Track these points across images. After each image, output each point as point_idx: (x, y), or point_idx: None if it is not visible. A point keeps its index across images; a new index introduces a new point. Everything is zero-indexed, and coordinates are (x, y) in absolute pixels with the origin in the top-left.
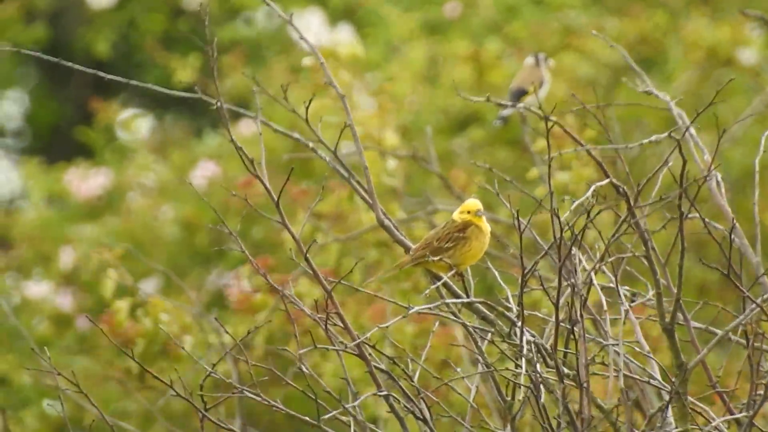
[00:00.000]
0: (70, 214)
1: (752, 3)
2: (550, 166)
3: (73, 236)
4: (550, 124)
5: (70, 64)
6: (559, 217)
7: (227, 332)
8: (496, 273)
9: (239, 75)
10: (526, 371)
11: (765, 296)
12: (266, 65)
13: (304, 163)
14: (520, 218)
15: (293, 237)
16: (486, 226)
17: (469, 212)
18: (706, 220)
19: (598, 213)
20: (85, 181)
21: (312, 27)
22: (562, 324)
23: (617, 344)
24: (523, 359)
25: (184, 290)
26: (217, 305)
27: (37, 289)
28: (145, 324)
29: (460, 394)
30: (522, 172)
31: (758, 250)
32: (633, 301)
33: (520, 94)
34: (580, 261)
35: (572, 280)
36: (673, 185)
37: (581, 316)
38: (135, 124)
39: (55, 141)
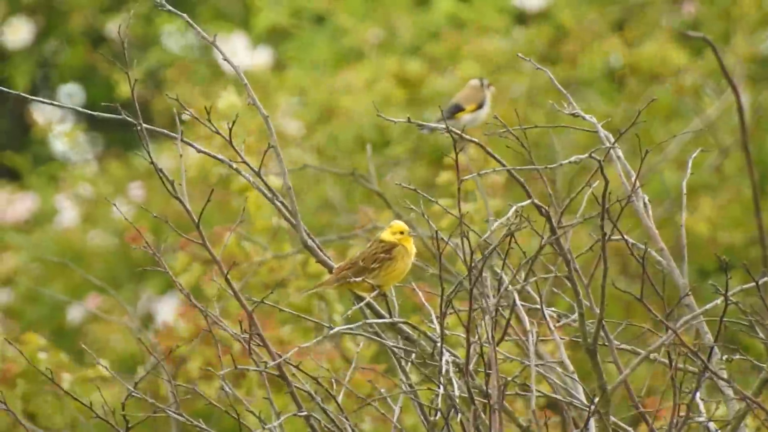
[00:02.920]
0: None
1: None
2: (459, 190)
3: (11, 243)
4: (467, 144)
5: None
6: (469, 239)
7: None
8: (420, 293)
9: (182, 88)
10: (447, 392)
11: (681, 321)
12: (204, 81)
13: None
14: (441, 236)
15: (214, 258)
16: (413, 248)
17: (402, 233)
18: (630, 241)
19: (509, 234)
20: (12, 205)
21: (237, 51)
22: (483, 345)
23: (539, 365)
24: (441, 382)
25: (122, 305)
26: (148, 324)
27: None
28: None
29: (383, 413)
30: (443, 189)
31: (684, 271)
32: (558, 322)
33: (455, 111)
34: (502, 282)
35: (483, 303)
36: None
37: (493, 338)
38: (74, 135)
39: None
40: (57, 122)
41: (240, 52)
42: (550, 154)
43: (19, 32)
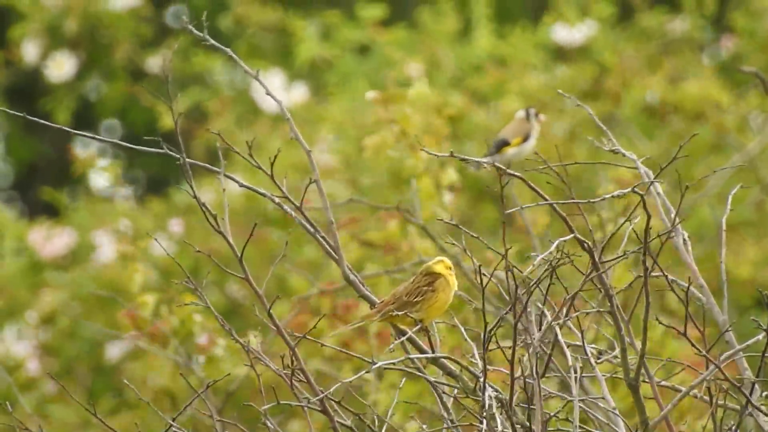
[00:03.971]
0: (38, 268)
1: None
2: (504, 224)
3: (50, 280)
4: (511, 178)
5: (34, 119)
6: (513, 273)
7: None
8: (462, 329)
9: (225, 121)
10: (490, 427)
11: (723, 356)
12: (239, 119)
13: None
14: (484, 272)
15: (257, 294)
16: (454, 281)
17: (449, 268)
18: (670, 277)
19: (550, 270)
20: (50, 240)
21: (274, 87)
22: (526, 381)
23: (581, 400)
24: (485, 416)
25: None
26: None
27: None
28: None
29: None
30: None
31: (725, 307)
32: (599, 358)
33: (501, 145)
34: (544, 317)
35: (528, 338)
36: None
37: (537, 372)
38: (114, 170)
39: (29, 190)
40: (98, 157)
41: (276, 88)
42: (591, 189)
43: (63, 66)
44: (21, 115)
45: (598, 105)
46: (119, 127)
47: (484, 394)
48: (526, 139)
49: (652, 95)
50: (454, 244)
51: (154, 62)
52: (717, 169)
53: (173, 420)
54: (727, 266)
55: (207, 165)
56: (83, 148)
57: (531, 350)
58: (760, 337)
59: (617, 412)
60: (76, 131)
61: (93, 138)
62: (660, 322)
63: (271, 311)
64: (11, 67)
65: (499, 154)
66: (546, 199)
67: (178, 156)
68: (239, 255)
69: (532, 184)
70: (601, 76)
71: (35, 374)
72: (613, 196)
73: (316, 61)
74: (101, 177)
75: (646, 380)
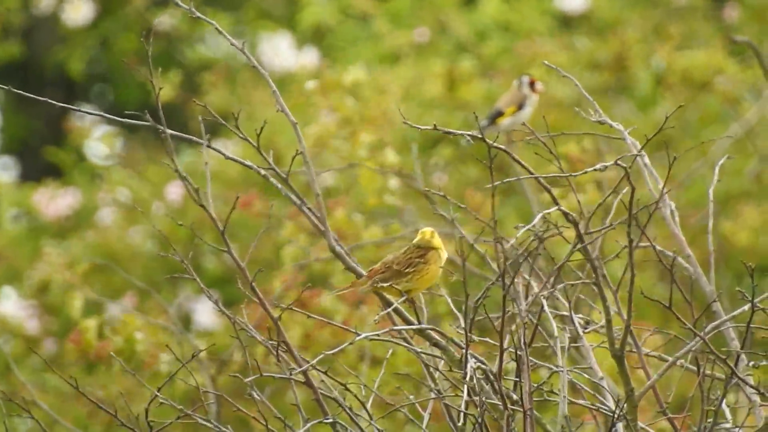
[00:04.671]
0: (39, 231)
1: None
2: (493, 195)
3: (47, 250)
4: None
5: (20, 91)
6: (502, 244)
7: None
8: (449, 300)
9: (221, 91)
10: (472, 398)
11: (709, 327)
12: (242, 84)
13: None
14: (467, 242)
15: (239, 266)
16: (444, 254)
17: (436, 243)
18: (658, 248)
19: (539, 240)
20: (54, 200)
21: (281, 50)
22: (509, 350)
23: (568, 370)
24: (466, 387)
25: (162, 307)
26: (186, 326)
27: (3, 308)
28: (116, 342)
29: (412, 419)
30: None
31: (712, 278)
32: (586, 328)
33: (495, 116)
34: (530, 288)
35: (516, 308)
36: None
37: (524, 342)
38: (109, 142)
39: (26, 157)
40: (93, 127)
41: (284, 51)
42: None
43: (80, 10)
44: (6, 88)
45: (601, 75)
46: (110, 98)
47: (466, 365)
48: (520, 107)
49: (657, 63)
50: (442, 214)
51: (162, 21)
52: (708, 139)
53: (158, 390)
54: (726, 233)
55: (191, 137)
56: (79, 119)
57: (518, 320)
58: (746, 308)
59: (604, 382)
60: (63, 104)
61: (81, 111)
62: (645, 296)
63: (253, 284)
64: (28, 11)
65: (494, 125)
66: (531, 173)
67: (162, 129)
68: (221, 228)
69: (516, 157)
70: (623, 49)
71: (35, 333)
72: (596, 169)
73: (321, 26)
74: (97, 147)
75: (634, 351)
